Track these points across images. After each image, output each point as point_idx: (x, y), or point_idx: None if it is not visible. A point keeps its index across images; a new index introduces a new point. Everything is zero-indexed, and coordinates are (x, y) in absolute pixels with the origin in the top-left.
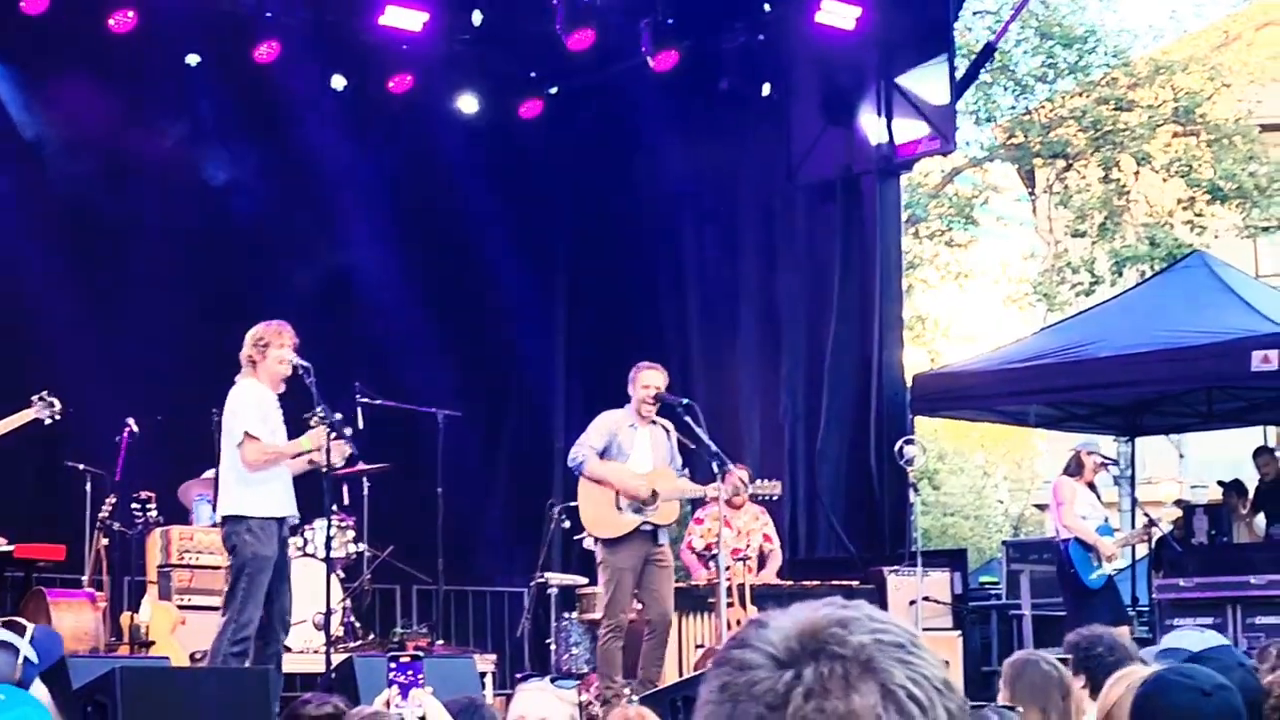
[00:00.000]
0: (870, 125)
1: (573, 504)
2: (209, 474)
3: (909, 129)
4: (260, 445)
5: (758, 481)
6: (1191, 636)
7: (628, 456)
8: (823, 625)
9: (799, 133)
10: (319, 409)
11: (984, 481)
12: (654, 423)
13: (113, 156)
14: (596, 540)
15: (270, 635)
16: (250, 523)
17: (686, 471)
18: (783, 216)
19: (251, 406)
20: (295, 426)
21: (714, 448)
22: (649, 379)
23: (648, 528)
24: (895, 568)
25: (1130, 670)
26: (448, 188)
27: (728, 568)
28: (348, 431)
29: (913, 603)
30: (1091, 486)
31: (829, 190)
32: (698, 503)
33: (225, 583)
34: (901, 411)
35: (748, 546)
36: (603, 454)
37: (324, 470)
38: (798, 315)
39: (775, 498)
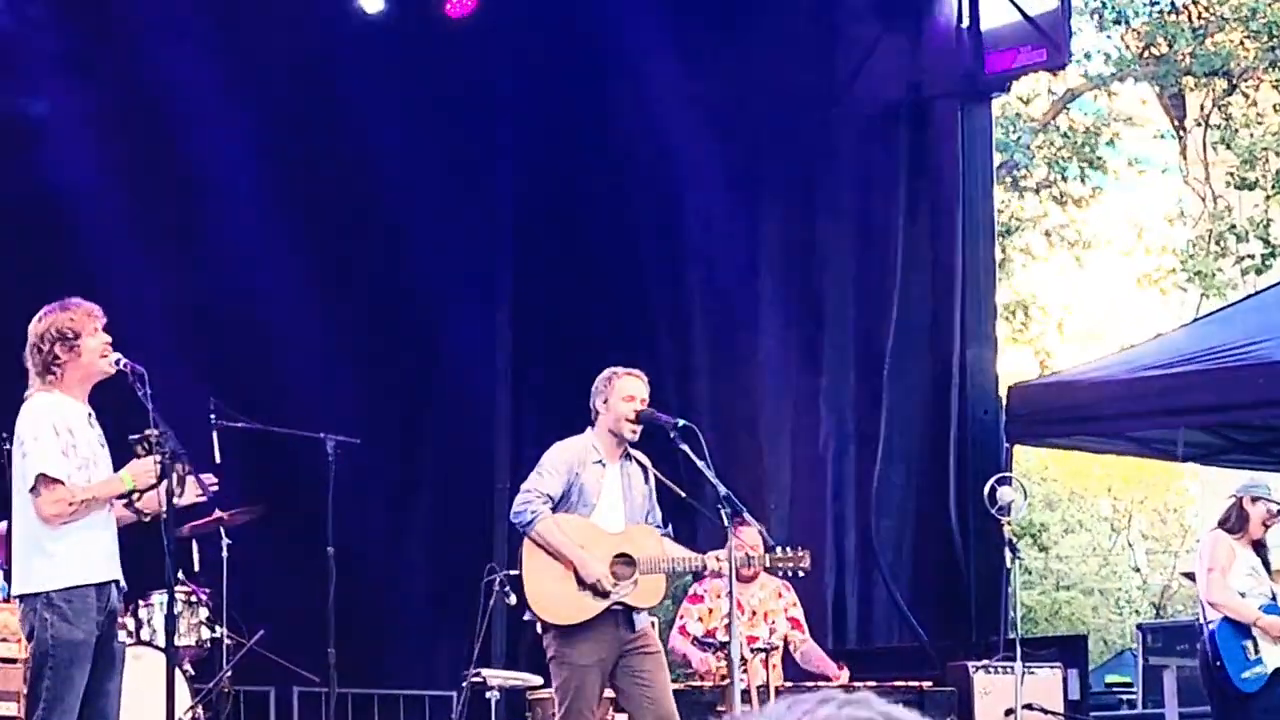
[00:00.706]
0: (948, 28)
1: (515, 572)
2: None
3: (1003, 33)
4: (62, 492)
5: (778, 550)
6: None
7: (592, 507)
8: None
9: (847, 39)
10: (151, 431)
11: (1112, 540)
12: (628, 456)
13: None
14: (546, 627)
15: None
16: (53, 597)
17: (669, 530)
18: (824, 158)
19: (47, 434)
20: (121, 455)
21: (723, 489)
22: (630, 388)
23: (619, 606)
24: (985, 662)
25: None
26: (341, 119)
27: (743, 662)
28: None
29: (1010, 713)
30: (1259, 547)
31: (890, 120)
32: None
33: (26, 682)
34: (994, 438)
35: (771, 634)
36: (558, 504)
37: (162, 519)
38: (844, 300)
39: (803, 573)
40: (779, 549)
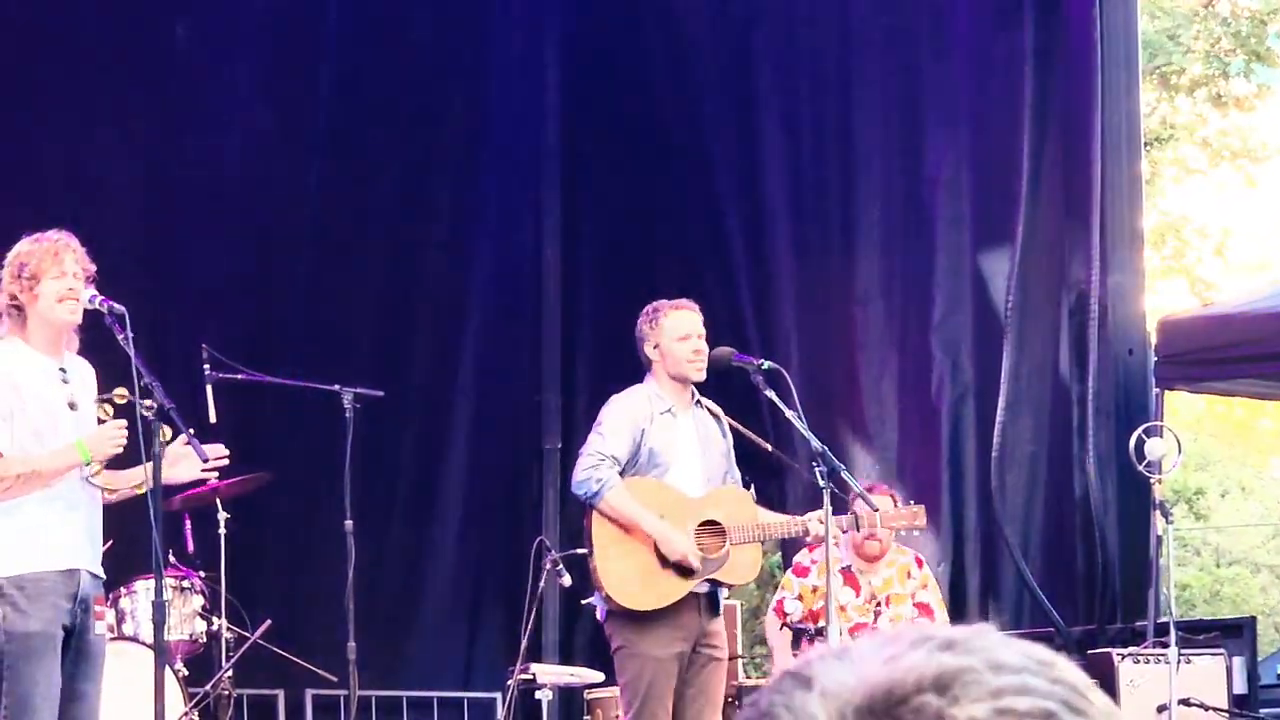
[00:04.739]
0: None
1: (578, 550)
2: None
3: None
4: (2, 463)
5: (894, 509)
6: None
7: (666, 466)
8: (904, 689)
9: None
10: (119, 390)
11: None
12: (698, 403)
13: None
14: (612, 613)
15: None
16: (2, 584)
17: (752, 491)
18: (932, 51)
19: None
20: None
21: (818, 443)
22: (681, 325)
23: (704, 587)
24: (1132, 650)
25: None
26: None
27: None
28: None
29: (1163, 708)
30: None
31: (1009, 7)
32: (790, 544)
33: None
34: (1140, 383)
35: (879, 615)
36: (625, 467)
37: (148, 490)
38: (959, 220)
39: (919, 532)
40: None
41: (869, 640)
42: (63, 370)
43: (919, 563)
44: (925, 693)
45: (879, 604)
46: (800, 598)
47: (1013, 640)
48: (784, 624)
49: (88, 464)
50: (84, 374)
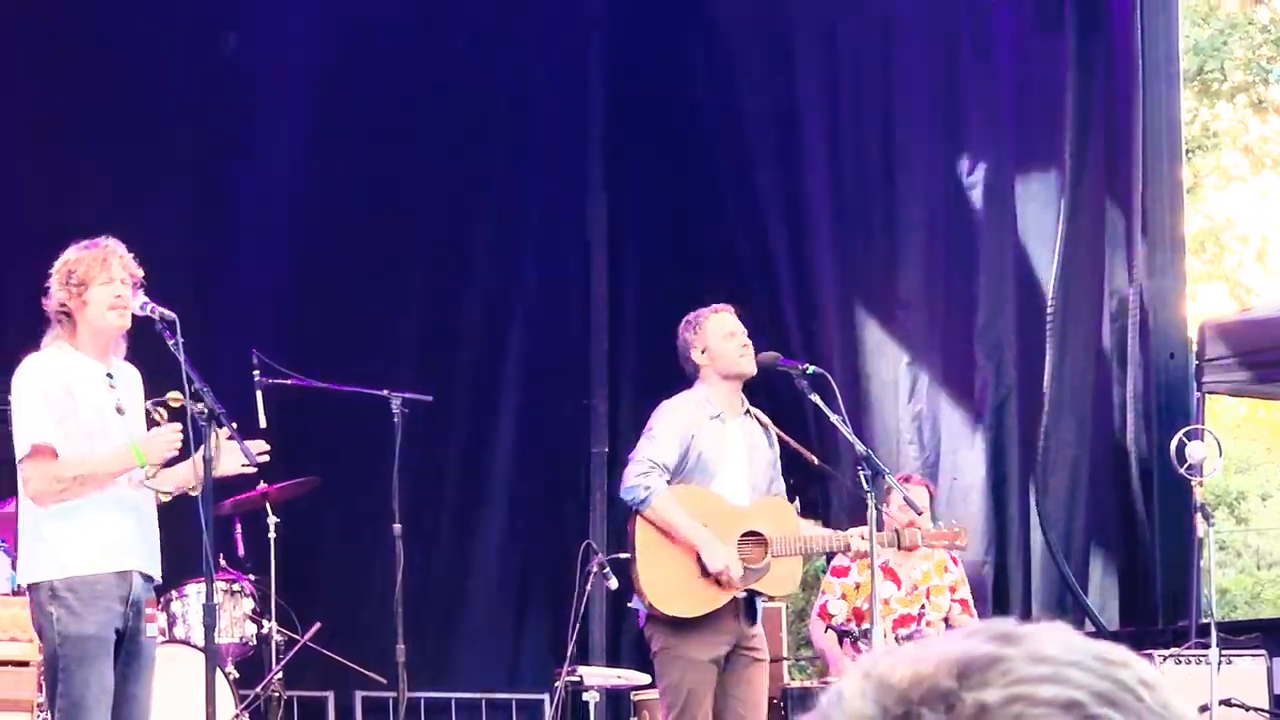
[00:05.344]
0: None
1: (623, 555)
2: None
3: None
4: (50, 467)
5: (929, 525)
6: None
7: (713, 473)
8: (929, 674)
9: None
10: (173, 394)
11: None
12: (748, 411)
13: None
14: (652, 617)
15: None
16: (56, 587)
17: (796, 504)
18: (972, 57)
19: (32, 398)
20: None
21: (862, 447)
22: (725, 324)
23: (743, 594)
24: (1173, 651)
25: None
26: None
27: None
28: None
29: (1204, 708)
30: None
31: (1051, 10)
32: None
33: (40, 688)
34: (1182, 386)
35: (924, 611)
36: (674, 474)
37: (198, 494)
38: (1001, 224)
39: (959, 550)
40: (941, 525)
41: (945, 637)
42: (109, 375)
43: (954, 560)
44: (944, 678)
45: (922, 595)
46: (844, 597)
47: (1082, 638)
48: (829, 627)
49: (143, 467)
50: (130, 379)
